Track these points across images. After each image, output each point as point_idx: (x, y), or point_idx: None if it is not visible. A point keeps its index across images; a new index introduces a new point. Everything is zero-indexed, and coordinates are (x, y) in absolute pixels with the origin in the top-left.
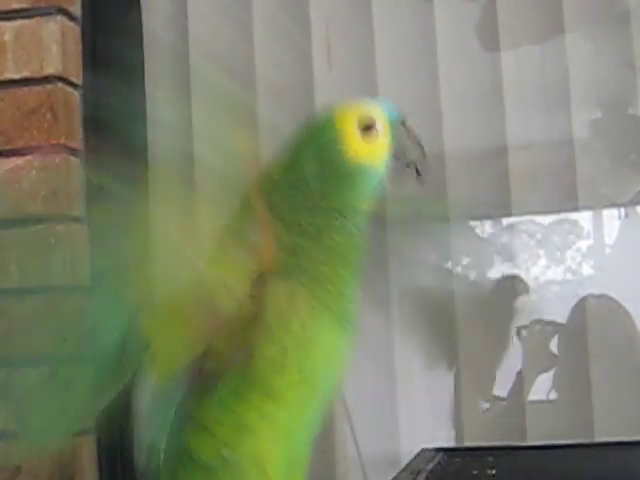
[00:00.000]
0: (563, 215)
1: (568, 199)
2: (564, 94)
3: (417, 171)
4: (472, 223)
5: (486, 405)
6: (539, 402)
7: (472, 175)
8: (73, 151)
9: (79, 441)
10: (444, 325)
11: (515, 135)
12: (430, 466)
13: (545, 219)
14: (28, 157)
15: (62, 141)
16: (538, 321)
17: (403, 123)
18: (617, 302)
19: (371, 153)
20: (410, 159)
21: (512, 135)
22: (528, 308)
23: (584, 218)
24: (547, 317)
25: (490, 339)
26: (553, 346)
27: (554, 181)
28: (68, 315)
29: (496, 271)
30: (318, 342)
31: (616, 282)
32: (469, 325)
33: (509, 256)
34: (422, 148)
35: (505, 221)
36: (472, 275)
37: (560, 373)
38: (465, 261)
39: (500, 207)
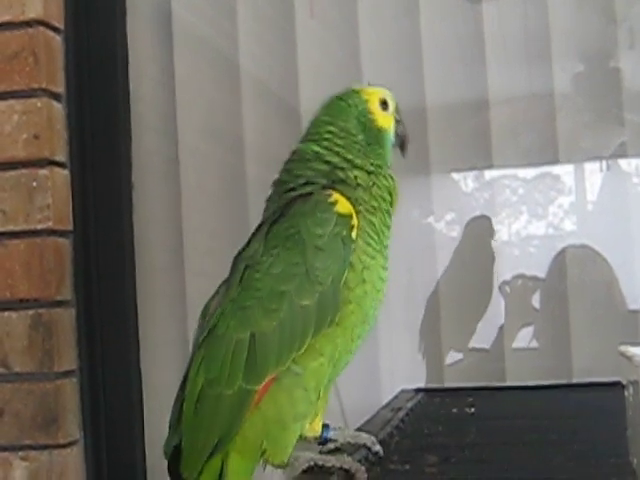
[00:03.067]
0: (545, 169)
1: (549, 152)
2: (545, 47)
3: (403, 145)
4: (455, 178)
5: (467, 353)
6: (520, 350)
7: (453, 128)
8: (55, 95)
9: (62, 383)
10: (426, 278)
11: (497, 88)
12: (410, 404)
13: (527, 173)
14: (10, 101)
15: (44, 85)
16: (520, 276)
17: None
18: (596, 251)
19: (387, 123)
20: (401, 133)
21: (494, 88)
22: (511, 263)
23: (566, 172)
24: (529, 272)
25: (472, 291)
26: (535, 300)
27: (536, 134)
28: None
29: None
30: (371, 276)
31: (597, 236)
32: (450, 278)
33: (492, 212)
34: (406, 130)
35: (488, 176)
36: (455, 230)
37: (541, 322)
38: (448, 216)
39: (481, 160)
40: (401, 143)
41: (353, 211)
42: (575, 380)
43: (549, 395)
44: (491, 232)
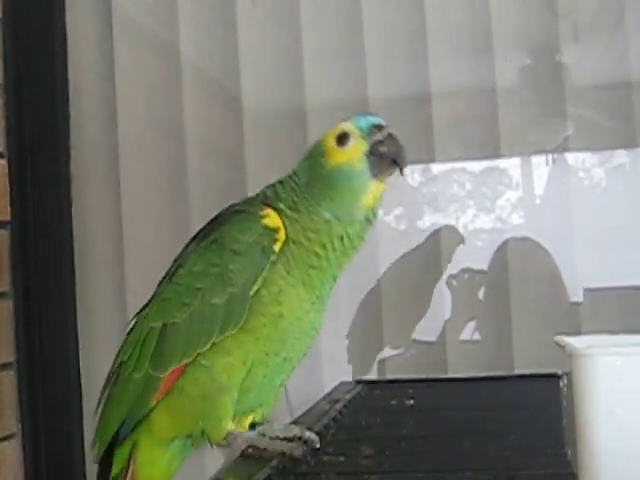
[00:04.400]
0: (493, 163)
1: (494, 146)
2: (490, 41)
3: (395, 161)
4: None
5: (410, 346)
6: (463, 342)
7: (397, 121)
8: None
9: None
10: (370, 271)
11: (440, 82)
12: (349, 396)
13: (474, 167)
14: None
15: None
16: (467, 270)
17: (378, 126)
18: (538, 244)
19: (347, 155)
20: (384, 152)
21: (437, 82)
22: (458, 257)
23: (513, 166)
24: (477, 265)
25: (415, 285)
26: (481, 294)
27: (480, 128)
28: None
29: (425, 221)
30: (290, 304)
31: (543, 229)
32: (393, 274)
33: (439, 206)
34: (398, 143)
35: (435, 170)
36: (401, 224)
37: (484, 315)
38: (396, 210)
39: (425, 154)
40: (392, 161)
41: (282, 226)
42: (516, 372)
43: (489, 387)
44: (460, 239)
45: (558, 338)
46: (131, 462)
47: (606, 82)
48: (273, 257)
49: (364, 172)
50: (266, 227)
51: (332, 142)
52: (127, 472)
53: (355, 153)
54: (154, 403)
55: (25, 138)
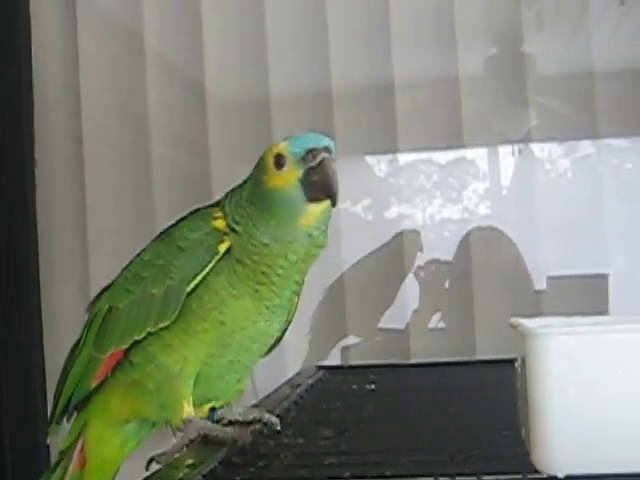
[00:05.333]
0: (459, 153)
1: (459, 136)
2: (454, 30)
3: (326, 189)
4: (369, 162)
5: (373, 333)
6: (427, 331)
7: (360, 111)
8: None
9: None
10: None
11: (404, 71)
12: (310, 381)
13: (440, 158)
14: None
15: None
16: (434, 261)
17: (313, 151)
18: (501, 232)
19: (282, 180)
20: (315, 182)
21: (401, 71)
22: (426, 247)
23: (479, 156)
24: (444, 256)
25: (381, 273)
26: (446, 283)
27: (445, 118)
28: None
29: (392, 211)
30: (233, 314)
31: (509, 219)
32: (358, 265)
33: (405, 197)
34: (329, 172)
35: (402, 161)
36: (368, 215)
37: (449, 303)
38: (363, 201)
39: (388, 144)
40: (323, 193)
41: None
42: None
43: (450, 372)
44: (419, 246)
45: (513, 320)
46: (80, 438)
47: (570, 72)
48: (216, 257)
49: (299, 198)
50: (215, 228)
51: (270, 162)
52: (75, 447)
53: (289, 178)
54: (95, 384)
55: None
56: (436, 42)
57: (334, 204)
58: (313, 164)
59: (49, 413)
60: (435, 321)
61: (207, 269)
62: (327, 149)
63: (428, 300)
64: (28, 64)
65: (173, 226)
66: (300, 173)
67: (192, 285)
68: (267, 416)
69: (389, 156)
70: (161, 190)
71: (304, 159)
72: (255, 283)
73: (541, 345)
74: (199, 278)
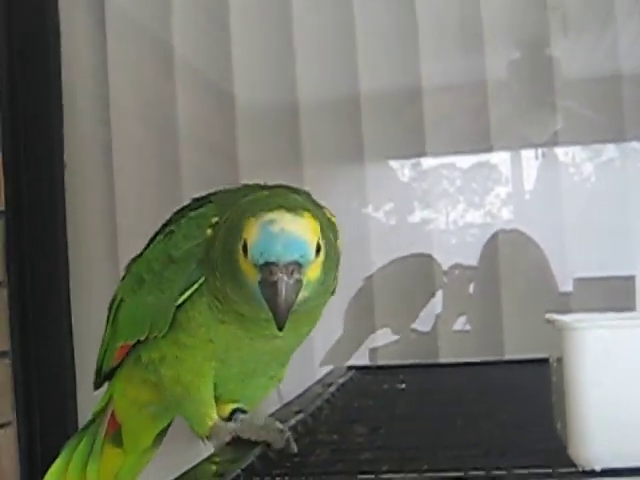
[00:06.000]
0: (482, 158)
1: (483, 140)
2: (480, 34)
3: (274, 311)
4: (392, 167)
5: (401, 335)
6: (454, 332)
7: (387, 116)
8: None
9: None
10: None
11: (430, 76)
12: (341, 380)
13: (464, 162)
14: None
15: None
16: (457, 266)
17: (270, 265)
18: (526, 235)
19: (246, 268)
20: (267, 298)
21: (427, 76)
22: (449, 252)
23: (502, 160)
24: (467, 261)
25: (408, 276)
26: (471, 287)
27: (470, 122)
28: None
29: (415, 216)
30: (221, 337)
31: (533, 223)
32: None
33: (429, 201)
34: (278, 296)
35: (425, 165)
36: (392, 220)
37: (475, 306)
38: (386, 206)
39: (415, 148)
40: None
41: None
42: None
43: (479, 372)
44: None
45: (548, 315)
46: (109, 406)
47: (595, 75)
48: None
49: (258, 294)
50: (208, 240)
51: (243, 238)
52: (106, 413)
53: (250, 272)
54: (114, 363)
55: (18, 129)
56: (462, 47)
57: (280, 328)
58: (267, 277)
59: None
60: (461, 323)
61: (195, 286)
62: (294, 263)
63: (454, 303)
64: (58, 69)
65: (182, 210)
66: (258, 277)
67: (180, 301)
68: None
69: (414, 160)
70: (189, 195)
71: (262, 269)
72: (244, 320)
73: (578, 339)
74: (186, 295)
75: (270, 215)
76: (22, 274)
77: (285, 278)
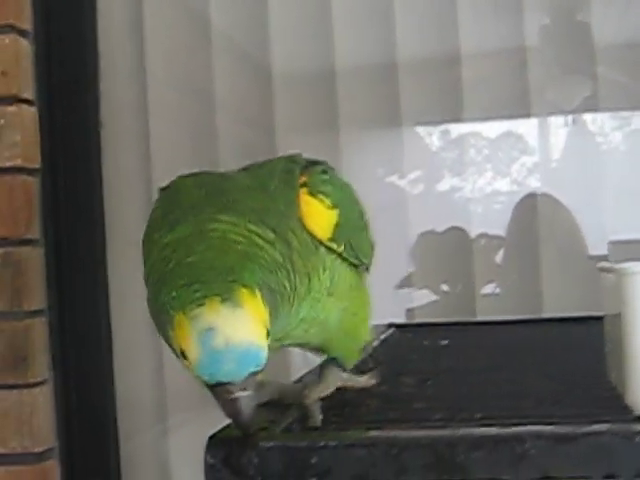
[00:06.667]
0: (512, 123)
1: (516, 106)
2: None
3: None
4: (422, 135)
5: (438, 296)
6: (487, 296)
7: (424, 82)
8: (22, 32)
9: (31, 323)
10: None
11: (466, 42)
12: (382, 337)
13: (494, 129)
14: None
15: (11, 21)
16: (483, 235)
17: (224, 384)
18: (555, 199)
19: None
20: (227, 414)
21: (464, 42)
22: (476, 220)
23: (533, 126)
24: (495, 230)
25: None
26: (499, 257)
27: (503, 89)
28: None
29: (445, 183)
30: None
31: (562, 190)
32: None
33: (458, 169)
34: (242, 415)
35: (454, 133)
36: (421, 187)
37: (508, 272)
38: (415, 174)
39: (450, 115)
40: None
41: None
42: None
43: (521, 329)
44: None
45: (602, 264)
46: None
47: (627, 41)
48: None
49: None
50: None
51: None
52: None
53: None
54: None
55: (54, 86)
56: (496, 12)
57: (246, 434)
58: (225, 397)
59: None
60: (492, 287)
61: None
62: (250, 375)
63: (484, 275)
64: (94, 28)
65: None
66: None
67: None
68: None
69: (450, 126)
70: (227, 165)
71: (213, 388)
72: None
73: (637, 282)
74: None
75: (204, 319)
76: (58, 233)
77: (243, 394)
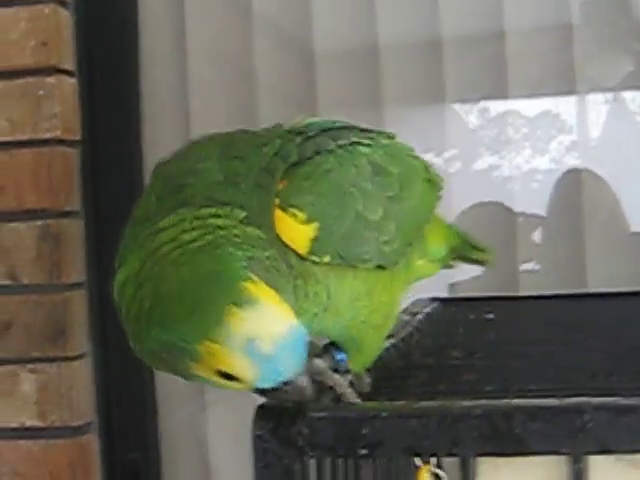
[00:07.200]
0: (553, 100)
1: (558, 83)
2: None
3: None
4: (462, 110)
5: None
6: (530, 272)
7: (468, 58)
8: (62, 2)
9: (70, 295)
10: None
11: (509, 18)
12: (427, 310)
13: (533, 107)
14: (16, 7)
15: None
16: (521, 214)
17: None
18: (596, 174)
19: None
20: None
21: (507, 18)
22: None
23: (571, 103)
24: (532, 209)
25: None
26: (537, 234)
27: (545, 65)
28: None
29: (483, 162)
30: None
31: (602, 167)
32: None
33: (495, 148)
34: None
35: (494, 111)
36: (458, 165)
37: (551, 243)
38: (454, 151)
39: (492, 92)
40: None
41: None
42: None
43: (566, 303)
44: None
45: None
46: None
47: None
48: None
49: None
50: None
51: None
52: None
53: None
54: None
55: (95, 57)
56: None
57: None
58: (280, 397)
59: None
60: (532, 265)
61: None
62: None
63: (525, 245)
64: (134, 4)
65: None
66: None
67: None
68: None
69: (487, 104)
70: None
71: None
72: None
73: None
74: None
75: (237, 335)
76: (98, 204)
77: (305, 379)
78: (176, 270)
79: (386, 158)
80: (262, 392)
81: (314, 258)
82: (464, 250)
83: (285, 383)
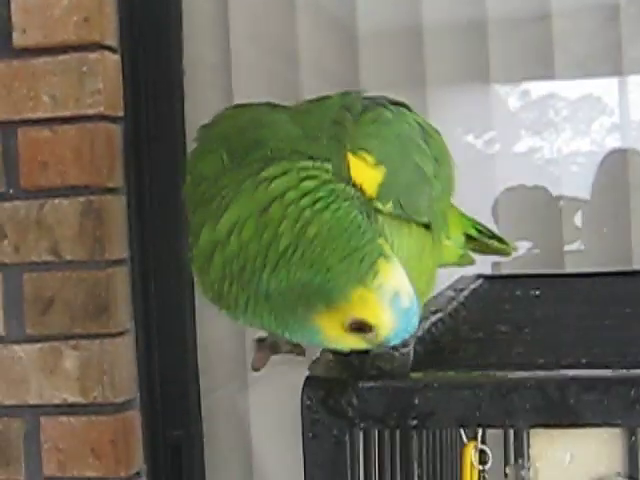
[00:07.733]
0: (593, 83)
1: (601, 64)
2: None
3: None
4: (506, 91)
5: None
6: (574, 252)
7: (512, 39)
8: None
9: (113, 272)
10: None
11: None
12: (472, 286)
13: (575, 88)
14: None
15: None
16: (560, 197)
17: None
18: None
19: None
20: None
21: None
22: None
23: (613, 84)
24: (572, 191)
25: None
26: (579, 216)
27: (590, 45)
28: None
29: (523, 144)
30: None
31: None
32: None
33: (535, 130)
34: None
35: (534, 95)
36: (497, 147)
37: (595, 223)
38: (497, 132)
39: (536, 73)
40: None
41: None
42: None
43: (612, 281)
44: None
45: None
46: None
47: None
48: None
49: None
50: None
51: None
52: None
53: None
54: None
55: (137, 33)
56: None
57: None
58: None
59: None
60: (576, 246)
61: None
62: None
63: (568, 226)
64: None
65: None
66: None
67: None
68: None
69: (530, 85)
70: None
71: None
72: None
73: None
74: None
75: (388, 285)
76: (140, 181)
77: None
78: (319, 216)
79: (426, 124)
80: (361, 360)
81: (378, 204)
82: (480, 239)
83: (393, 348)
